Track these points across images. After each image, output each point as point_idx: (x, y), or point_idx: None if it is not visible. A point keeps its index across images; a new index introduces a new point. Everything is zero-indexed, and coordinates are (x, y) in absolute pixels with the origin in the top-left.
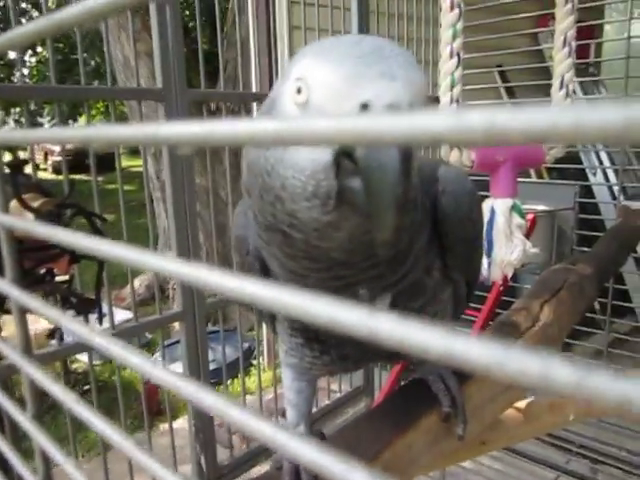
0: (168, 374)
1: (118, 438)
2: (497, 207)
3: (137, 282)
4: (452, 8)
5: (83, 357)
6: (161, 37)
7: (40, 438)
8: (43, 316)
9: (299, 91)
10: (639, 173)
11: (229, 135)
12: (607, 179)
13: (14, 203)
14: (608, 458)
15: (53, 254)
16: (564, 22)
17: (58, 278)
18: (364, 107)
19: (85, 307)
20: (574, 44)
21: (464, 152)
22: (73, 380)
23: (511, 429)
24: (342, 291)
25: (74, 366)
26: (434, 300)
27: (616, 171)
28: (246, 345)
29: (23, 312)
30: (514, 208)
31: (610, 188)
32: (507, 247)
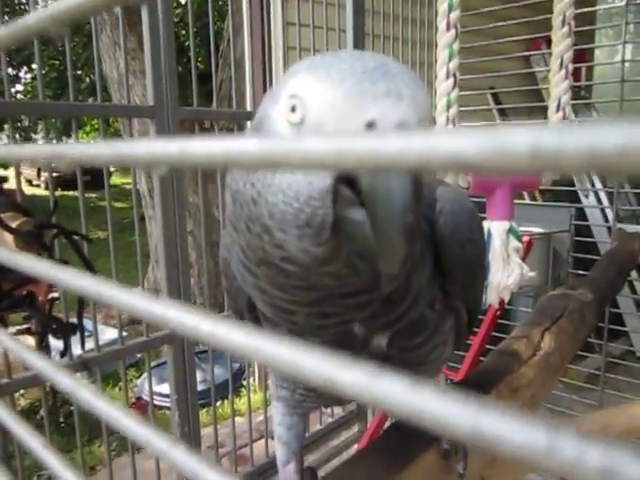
0: (125, 417)
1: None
2: (494, 230)
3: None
4: (448, 29)
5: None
6: (153, 54)
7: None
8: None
9: (293, 109)
10: (631, 196)
11: (205, 155)
12: (600, 202)
13: None
14: None
15: (28, 277)
16: (561, 45)
17: (41, 298)
18: (369, 127)
19: (66, 332)
20: (571, 67)
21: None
22: (60, 400)
23: (512, 464)
24: (334, 328)
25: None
26: (436, 333)
27: (608, 194)
28: (236, 366)
29: None
30: (511, 231)
31: (603, 211)
32: (504, 270)
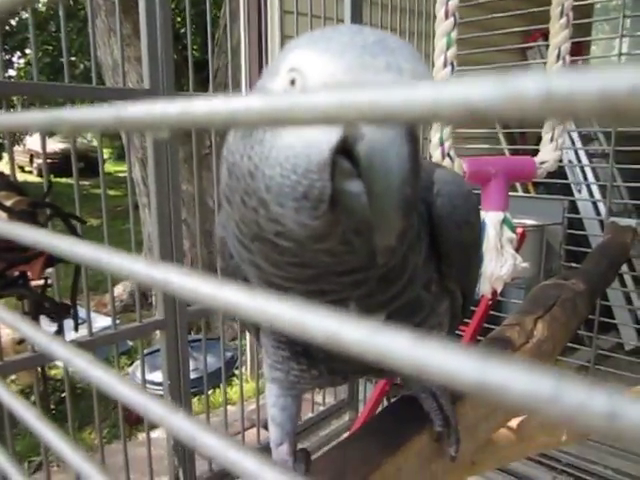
0: (134, 391)
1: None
2: (488, 220)
3: (121, 288)
4: (447, 16)
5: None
6: (150, 38)
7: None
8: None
9: (293, 82)
10: (623, 190)
11: (208, 113)
12: (592, 195)
13: None
14: (593, 476)
15: (27, 256)
16: (558, 36)
17: (34, 282)
18: None
19: (59, 313)
20: (568, 58)
21: (455, 161)
22: (51, 388)
23: (502, 450)
24: (329, 307)
25: (53, 372)
26: (432, 314)
27: (600, 187)
28: (229, 355)
29: None
30: (505, 222)
31: (595, 204)
32: (497, 261)
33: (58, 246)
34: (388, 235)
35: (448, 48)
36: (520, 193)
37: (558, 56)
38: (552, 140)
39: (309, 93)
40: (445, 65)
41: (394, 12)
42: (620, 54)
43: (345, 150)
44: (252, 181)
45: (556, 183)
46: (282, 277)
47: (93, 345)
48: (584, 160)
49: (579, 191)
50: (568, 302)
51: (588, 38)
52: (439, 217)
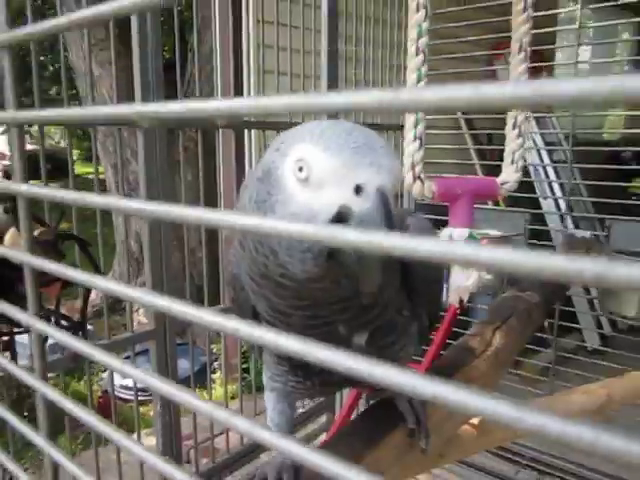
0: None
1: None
2: (455, 235)
3: (93, 294)
4: (418, 9)
5: None
6: (142, 62)
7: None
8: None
9: (300, 169)
10: (588, 204)
11: (228, 223)
12: (559, 208)
13: (13, 231)
14: (554, 469)
15: (47, 279)
16: (520, 29)
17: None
18: (358, 187)
19: (75, 329)
20: (529, 49)
21: (426, 183)
22: (24, 394)
23: (466, 443)
24: (322, 328)
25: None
26: (404, 334)
27: (567, 200)
28: (203, 359)
29: (42, 339)
30: (470, 237)
31: (561, 216)
32: (464, 273)
33: (77, 278)
34: (371, 285)
35: (419, 37)
36: (489, 206)
37: (520, 48)
38: (512, 162)
39: (294, 225)
40: (417, 53)
41: (368, 23)
42: (577, 62)
43: (340, 219)
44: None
45: (523, 197)
46: (285, 305)
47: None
48: (549, 168)
49: (545, 198)
50: (524, 312)
51: (548, 47)
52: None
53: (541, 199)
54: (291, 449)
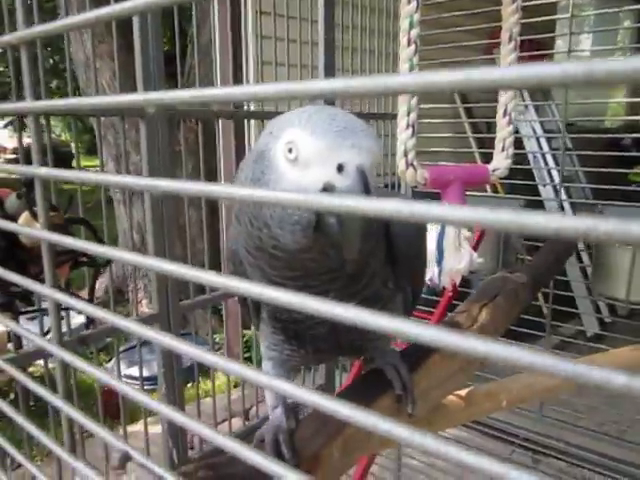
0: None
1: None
2: None
3: (97, 286)
4: (409, 1)
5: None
6: (143, 56)
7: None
8: (77, 311)
9: (290, 151)
10: (587, 191)
11: (227, 194)
12: (557, 195)
13: (26, 215)
14: (549, 450)
15: (57, 261)
16: (510, 19)
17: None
18: (340, 166)
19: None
20: (519, 39)
21: (418, 170)
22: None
23: (453, 412)
24: (314, 297)
25: (30, 369)
26: (389, 305)
27: (565, 188)
28: (206, 348)
29: (58, 310)
30: None
31: (561, 206)
32: (456, 257)
33: (104, 252)
34: (352, 252)
35: (411, 28)
36: (488, 193)
37: (510, 37)
38: (503, 150)
39: (285, 193)
40: (409, 44)
41: (364, 12)
42: (570, 51)
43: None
44: (259, 210)
45: (521, 184)
46: (279, 276)
47: (96, 338)
48: (548, 155)
49: (544, 186)
50: (511, 292)
51: (545, 35)
52: (394, 235)
53: (540, 186)
54: (286, 389)
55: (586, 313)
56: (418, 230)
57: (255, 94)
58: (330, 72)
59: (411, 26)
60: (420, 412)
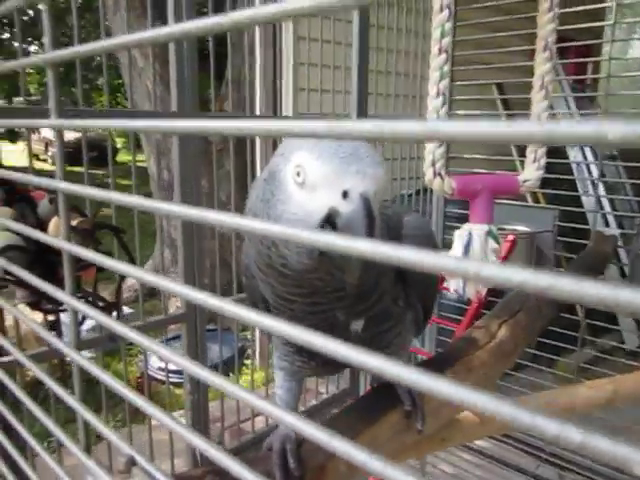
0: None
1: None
2: (474, 232)
3: (129, 282)
4: (442, 9)
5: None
6: (179, 67)
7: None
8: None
9: (298, 174)
10: (633, 202)
11: (234, 225)
12: (601, 206)
13: (56, 219)
14: (574, 465)
15: (84, 264)
16: (545, 28)
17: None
18: (345, 193)
19: (109, 309)
20: (554, 48)
21: (446, 180)
22: (69, 373)
23: (468, 428)
24: (322, 314)
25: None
26: (399, 322)
27: (611, 200)
28: (239, 345)
29: (76, 314)
30: (489, 233)
31: (604, 216)
32: None
33: (106, 264)
34: (353, 276)
35: (442, 37)
36: (517, 202)
37: (545, 46)
38: (535, 160)
39: (291, 229)
40: (440, 52)
41: (399, 34)
42: (610, 58)
43: (329, 220)
44: None
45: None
46: (288, 292)
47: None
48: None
49: (586, 191)
50: (533, 308)
51: (589, 42)
52: None
53: (583, 197)
54: (291, 421)
55: (627, 330)
56: (432, 245)
57: (279, 130)
58: (363, 99)
59: (442, 35)
60: (430, 429)
